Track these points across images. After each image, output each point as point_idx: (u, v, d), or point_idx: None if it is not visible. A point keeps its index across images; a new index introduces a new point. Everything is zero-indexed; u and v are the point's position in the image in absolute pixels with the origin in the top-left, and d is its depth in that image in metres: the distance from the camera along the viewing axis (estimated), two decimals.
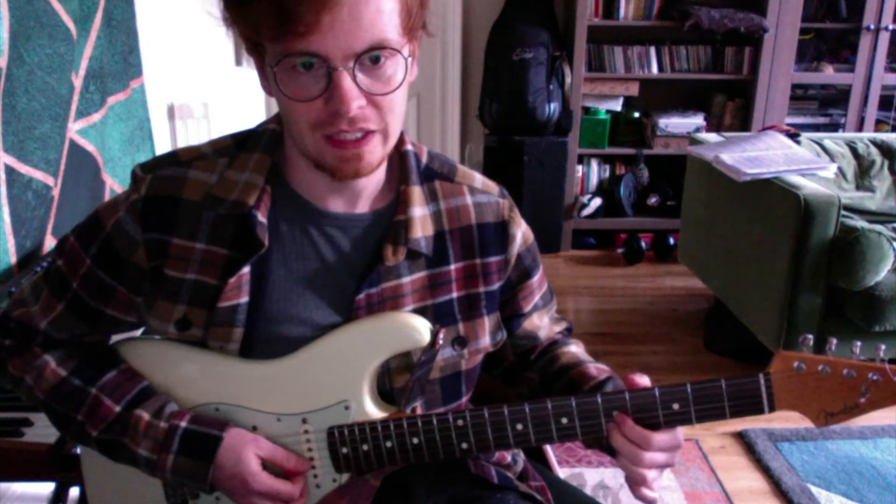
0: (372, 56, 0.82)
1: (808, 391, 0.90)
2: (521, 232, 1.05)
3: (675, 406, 0.91)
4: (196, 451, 0.93)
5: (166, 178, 0.94)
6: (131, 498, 1.03)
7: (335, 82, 0.81)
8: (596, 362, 1.09)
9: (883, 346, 0.89)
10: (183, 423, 0.94)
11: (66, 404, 0.97)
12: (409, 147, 0.99)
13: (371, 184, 0.97)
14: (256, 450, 0.94)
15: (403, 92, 0.87)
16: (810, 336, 0.92)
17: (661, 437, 0.91)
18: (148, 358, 1.01)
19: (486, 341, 1.03)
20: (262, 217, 0.92)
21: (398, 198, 0.98)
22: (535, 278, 1.08)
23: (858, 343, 0.91)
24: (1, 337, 1.02)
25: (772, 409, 0.91)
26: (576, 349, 1.13)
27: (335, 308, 0.96)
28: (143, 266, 0.94)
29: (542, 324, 1.12)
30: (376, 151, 0.88)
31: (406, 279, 0.97)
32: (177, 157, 0.96)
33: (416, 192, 0.98)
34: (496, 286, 1.03)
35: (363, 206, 0.97)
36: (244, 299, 0.93)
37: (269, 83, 0.86)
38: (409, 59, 0.86)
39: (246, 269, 0.93)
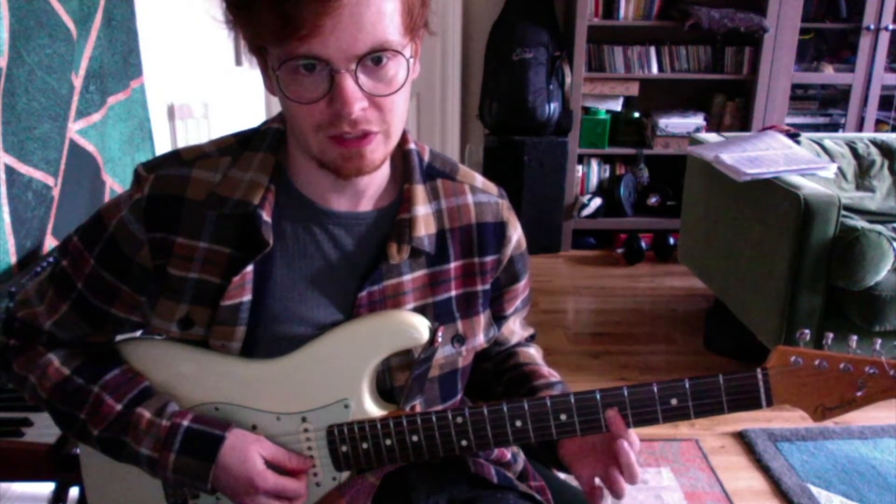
0: (374, 57, 0.82)
1: (805, 386, 0.90)
2: (517, 235, 1.06)
3: (674, 401, 0.92)
4: (198, 450, 0.93)
5: (170, 177, 0.94)
6: (131, 498, 1.04)
7: (337, 84, 0.82)
8: (549, 367, 1.12)
9: (879, 340, 0.90)
10: (185, 422, 0.94)
11: (68, 403, 0.98)
12: (411, 146, 1.00)
13: (374, 182, 0.97)
14: (260, 449, 0.95)
15: (405, 92, 0.88)
16: (807, 331, 0.92)
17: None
18: (148, 358, 1.01)
19: (480, 338, 1.04)
20: (266, 216, 0.93)
21: (401, 196, 0.98)
22: (522, 283, 1.10)
23: (855, 337, 0.91)
24: (6, 337, 1.03)
25: (769, 403, 0.91)
26: (534, 351, 1.16)
27: (337, 306, 0.97)
28: (147, 265, 0.95)
29: (515, 328, 1.15)
30: (378, 150, 0.88)
31: (407, 277, 0.98)
32: (180, 157, 0.96)
33: (420, 191, 0.98)
34: (489, 285, 1.04)
35: (366, 205, 0.98)
36: (247, 298, 0.93)
37: (273, 85, 0.87)
38: (411, 60, 0.87)
39: (249, 268, 0.93)
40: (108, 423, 0.95)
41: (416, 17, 0.86)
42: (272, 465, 0.95)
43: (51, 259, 1.03)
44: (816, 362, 0.89)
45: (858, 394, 0.89)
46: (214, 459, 0.93)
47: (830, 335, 0.92)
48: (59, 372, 0.98)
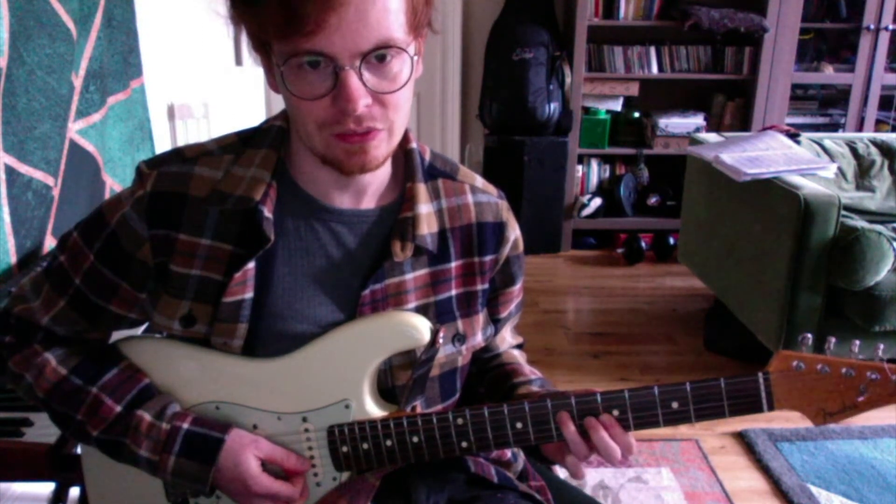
0: (378, 55, 0.83)
1: (806, 390, 0.90)
2: (515, 236, 1.06)
3: (675, 405, 0.92)
4: (198, 453, 0.93)
5: (172, 174, 0.94)
6: (132, 497, 1.04)
7: (342, 81, 0.82)
8: (531, 367, 1.13)
9: (881, 346, 0.90)
10: (185, 425, 0.94)
11: (65, 404, 0.97)
12: (413, 145, 1.00)
13: (377, 180, 0.97)
14: (255, 451, 0.95)
15: (409, 89, 0.88)
16: (809, 335, 0.92)
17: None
18: (149, 356, 1.01)
19: (479, 337, 1.05)
20: (268, 212, 0.93)
21: (404, 194, 0.98)
22: (517, 286, 1.10)
23: (857, 342, 0.91)
24: (1, 334, 1.02)
25: (770, 407, 0.91)
26: (517, 353, 1.17)
27: (339, 305, 0.97)
28: (147, 262, 0.95)
29: (506, 336, 1.16)
30: (381, 146, 0.89)
31: (409, 276, 0.98)
32: (182, 154, 0.96)
33: (422, 190, 0.99)
34: (488, 284, 1.05)
35: (369, 203, 0.98)
36: (249, 295, 0.93)
37: (276, 81, 0.87)
38: (415, 58, 0.87)
39: (251, 265, 0.93)
40: (107, 424, 0.95)
41: (420, 15, 0.86)
42: (270, 466, 0.95)
43: (50, 256, 1.03)
44: (818, 367, 0.89)
45: (860, 399, 0.89)
46: (214, 462, 0.93)
47: (833, 340, 0.92)
48: (56, 372, 0.98)
